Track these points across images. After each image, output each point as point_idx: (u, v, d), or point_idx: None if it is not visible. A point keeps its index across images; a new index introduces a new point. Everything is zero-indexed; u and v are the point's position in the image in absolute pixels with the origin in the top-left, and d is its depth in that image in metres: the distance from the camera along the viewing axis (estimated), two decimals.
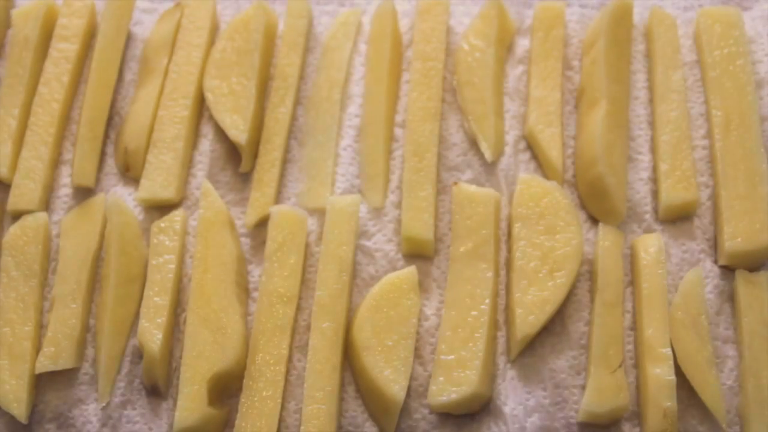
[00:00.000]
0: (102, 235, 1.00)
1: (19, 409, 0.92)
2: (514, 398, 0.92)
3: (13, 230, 1.00)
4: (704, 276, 0.96)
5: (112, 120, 1.07)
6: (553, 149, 1.01)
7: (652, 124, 1.04)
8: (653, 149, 1.02)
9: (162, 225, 0.99)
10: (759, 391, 0.90)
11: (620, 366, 0.90)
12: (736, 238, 0.94)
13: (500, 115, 1.04)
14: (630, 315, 0.95)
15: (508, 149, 1.03)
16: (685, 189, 0.98)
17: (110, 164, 1.06)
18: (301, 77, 1.09)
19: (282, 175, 1.04)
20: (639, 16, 1.09)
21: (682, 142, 1.00)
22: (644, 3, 1.10)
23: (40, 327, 0.97)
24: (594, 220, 0.99)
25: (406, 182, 0.99)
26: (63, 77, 1.06)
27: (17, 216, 1.01)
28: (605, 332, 0.91)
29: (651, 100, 1.05)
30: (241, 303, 0.96)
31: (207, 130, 1.06)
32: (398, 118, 1.05)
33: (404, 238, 0.97)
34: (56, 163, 1.05)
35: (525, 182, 0.98)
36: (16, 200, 1.01)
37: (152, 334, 0.93)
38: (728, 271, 0.97)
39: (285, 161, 1.04)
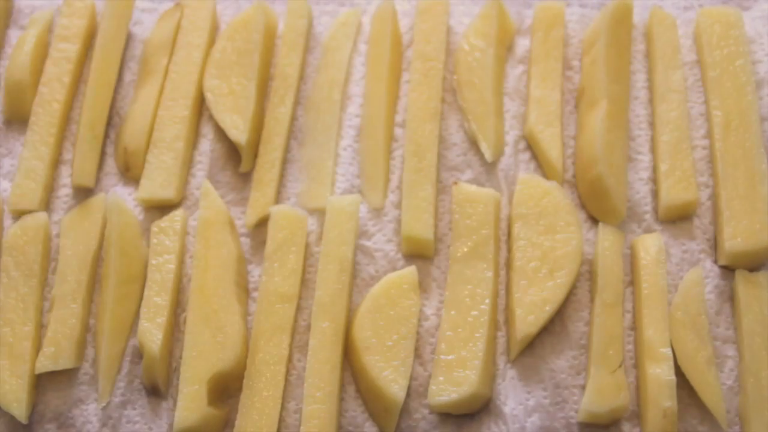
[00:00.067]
0: (102, 235, 1.00)
1: (19, 409, 0.92)
2: (514, 398, 0.92)
3: (13, 230, 1.00)
4: (704, 276, 0.96)
5: (112, 120, 1.07)
6: (553, 149, 1.01)
7: (652, 124, 1.04)
8: (653, 149, 1.02)
9: (162, 225, 0.99)
10: (759, 391, 0.90)
11: (620, 366, 0.90)
12: (736, 238, 0.94)
13: (500, 115, 1.04)
14: (630, 315, 0.95)
15: (508, 149, 1.03)
16: (685, 189, 0.98)
17: (110, 164, 1.06)
18: (301, 77, 1.09)
19: (282, 175, 1.04)
20: (639, 16, 1.09)
21: (682, 142, 1.00)
22: (644, 3, 1.10)
23: (40, 327, 0.97)
24: (594, 220, 0.99)
25: (406, 182, 0.99)
26: (64, 77, 1.06)
27: (18, 216, 1.01)
28: (605, 332, 0.91)
29: (651, 100, 1.05)
30: (241, 303, 0.96)
31: (207, 130, 1.06)
32: (398, 118, 1.05)
33: (404, 238, 0.97)
34: (56, 163, 1.05)
35: (525, 182, 0.98)
36: (16, 200, 1.01)
37: (152, 334, 0.93)
38: (728, 271, 0.97)
39: (285, 161, 1.04)
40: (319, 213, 1.00)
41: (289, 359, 0.94)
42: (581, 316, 0.95)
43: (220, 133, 1.05)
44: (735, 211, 0.96)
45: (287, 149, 1.05)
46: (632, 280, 0.96)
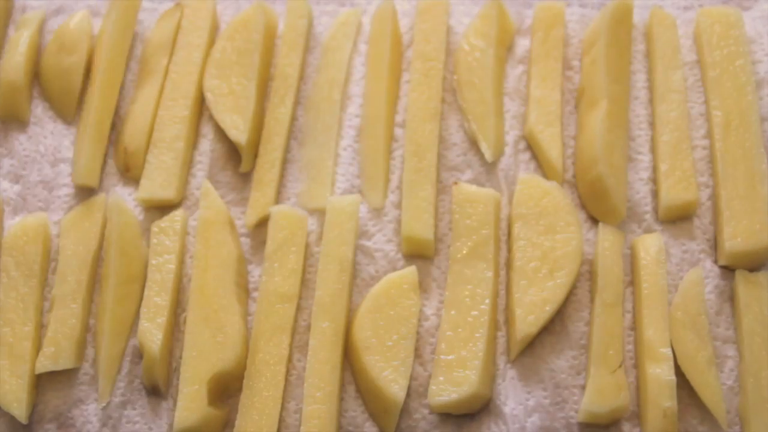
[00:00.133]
0: (102, 235, 1.00)
1: (19, 409, 0.92)
2: (514, 398, 0.92)
3: (13, 230, 1.00)
4: (704, 276, 0.96)
5: (112, 120, 1.07)
6: (553, 149, 1.01)
7: (652, 124, 1.04)
8: (653, 149, 1.02)
9: (162, 225, 0.99)
10: (759, 391, 0.90)
11: (620, 366, 0.90)
12: (736, 238, 0.94)
13: (500, 115, 1.04)
14: (630, 315, 0.95)
15: (508, 149, 1.03)
16: (685, 189, 0.98)
17: (110, 164, 1.06)
18: (301, 77, 1.09)
19: (282, 175, 1.04)
20: (639, 16, 1.09)
21: (682, 142, 1.00)
22: (644, 3, 1.10)
23: (40, 327, 0.97)
24: (594, 220, 0.99)
25: (406, 182, 0.99)
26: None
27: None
28: (605, 332, 0.91)
29: (651, 100, 1.05)
30: (241, 303, 0.96)
31: (207, 130, 1.06)
32: (398, 118, 1.05)
33: (404, 238, 0.97)
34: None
35: (525, 182, 0.98)
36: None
37: (152, 334, 0.93)
38: (728, 271, 0.97)
39: (285, 161, 1.04)
40: (319, 213, 1.00)
41: (289, 359, 0.94)
42: (581, 316, 0.95)
43: (220, 133, 1.05)
44: (735, 211, 0.96)
45: (287, 149, 1.05)
46: (632, 280, 0.96)
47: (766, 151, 0.98)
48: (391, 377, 0.90)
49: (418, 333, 0.95)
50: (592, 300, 0.95)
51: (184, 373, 0.91)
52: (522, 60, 1.08)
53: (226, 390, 0.94)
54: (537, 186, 0.98)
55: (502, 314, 0.96)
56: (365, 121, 1.04)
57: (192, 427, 0.89)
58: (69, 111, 1.07)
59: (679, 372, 0.89)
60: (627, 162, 1.01)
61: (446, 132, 1.04)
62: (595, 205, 0.99)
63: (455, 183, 0.99)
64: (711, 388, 0.90)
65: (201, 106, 1.07)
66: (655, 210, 1.00)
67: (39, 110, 1.09)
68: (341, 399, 0.93)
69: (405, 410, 0.93)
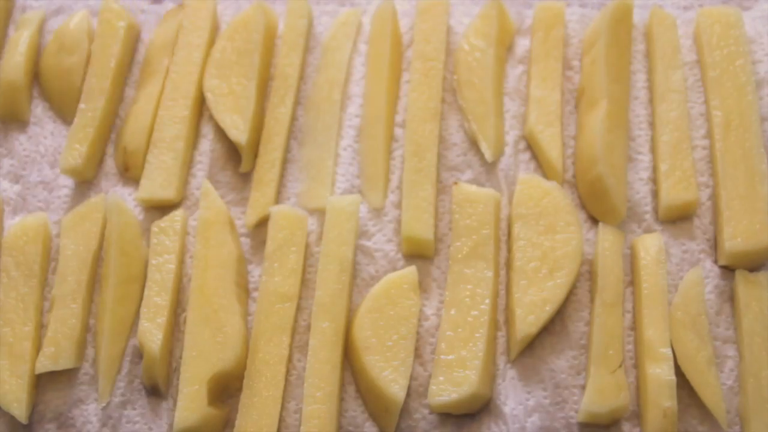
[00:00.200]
0: (102, 235, 1.00)
1: (19, 409, 0.92)
2: (514, 398, 0.92)
3: (13, 230, 1.00)
4: (704, 276, 0.96)
5: (113, 121, 1.07)
6: (553, 149, 1.01)
7: (652, 124, 1.04)
8: (653, 149, 1.02)
9: (162, 225, 0.99)
10: (759, 391, 0.90)
11: (620, 366, 0.90)
12: (736, 238, 0.94)
13: (500, 115, 1.04)
14: (630, 315, 0.95)
15: (508, 149, 1.03)
16: (685, 189, 0.98)
17: (110, 164, 1.06)
18: (301, 77, 1.09)
19: (282, 175, 1.04)
20: (639, 16, 1.09)
21: (682, 142, 1.00)
22: (644, 3, 1.10)
23: (40, 327, 0.97)
24: (594, 220, 0.99)
25: (406, 182, 0.99)
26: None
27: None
28: (605, 332, 0.91)
29: (651, 100, 1.05)
30: (241, 303, 0.96)
31: (207, 130, 1.06)
32: (398, 118, 1.05)
33: (404, 238, 0.97)
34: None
35: (525, 182, 0.98)
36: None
37: (152, 334, 0.93)
38: (728, 271, 0.97)
39: (285, 161, 1.04)
40: (319, 213, 1.00)
41: (289, 359, 0.94)
42: (581, 316, 0.95)
43: (220, 133, 1.05)
44: (735, 211, 0.96)
45: (287, 149, 1.05)
46: (632, 280, 0.96)
47: (766, 151, 0.98)
48: (391, 377, 0.90)
49: (418, 333, 0.95)
50: (592, 300, 0.95)
51: (184, 373, 0.91)
52: (522, 60, 1.08)
53: (226, 390, 0.94)
54: (537, 186, 0.98)
55: (502, 314, 0.96)
56: (365, 121, 1.04)
57: (192, 427, 0.89)
58: (69, 111, 1.07)
59: (679, 372, 0.89)
60: (627, 162, 1.01)
61: (446, 132, 1.04)
62: (595, 205, 0.99)
63: (455, 183, 0.99)
64: (711, 388, 0.90)
65: (201, 106, 1.07)
66: (655, 210, 1.00)
67: (39, 110, 1.09)
68: (341, 399, 0.93)
69: (405, 410, 0.93)
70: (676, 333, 0.91)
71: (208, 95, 1.05)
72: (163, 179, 1.01)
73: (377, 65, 1.06)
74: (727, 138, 0.99)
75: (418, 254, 0.99)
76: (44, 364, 0.93)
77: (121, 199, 1.00)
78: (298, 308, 0.96)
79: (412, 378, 0.93)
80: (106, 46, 1.07)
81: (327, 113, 1.05)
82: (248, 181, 1.03)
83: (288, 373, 0.94)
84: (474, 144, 1.03)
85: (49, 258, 1.01)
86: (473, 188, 0.99)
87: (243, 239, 1.01)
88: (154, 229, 0.99)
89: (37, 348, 0.95)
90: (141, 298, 0.96)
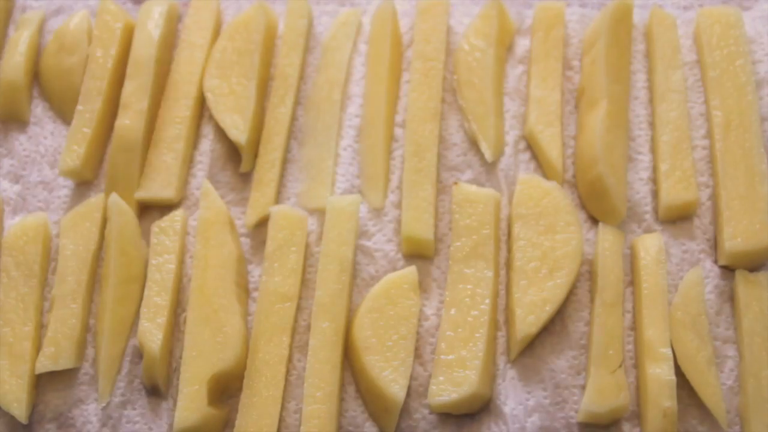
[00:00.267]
0: (102, 235, 1.00)
1: (19, 409, 0.92)
2: (514, 398, 0.92)
3: (13, 230, 1.00)
4: (704, 276, 0.96)
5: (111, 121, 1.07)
6: (553, 149, 1.01)
7: (652, 124, 1.04)
8: (653, 149, 1.02)
9: (162, 225, 0.99)
10: (759, 391, 0.90)
11: (620, 366, 0.90)
12: (736, 238, 0.94)
13: (500, 115, 1.04)
14: (630, 315, 0.95)
15: (508, 149, 1.03)
16: (685, 189, 0.98)
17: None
18: (301, 77, 1.09)
19: (282, 175, 1.04)
20: (639, 16, 1.09)
21: (682, 142, 1.00)
22: (644, 3, 1.10)
23: (40, 327, 0.97)
24: (594, 220, 0.99)
25: (406, 182, 0.99)
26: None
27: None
28: (605, 332, 0.91)
29: (651, 100, 1.05)
30: (241, 303, 0.96)
31: (207, 130, 1.06)
32: (398, 118, 1.05)
33: (404, 238, 0.97)
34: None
35: (525, 182, 0.98)
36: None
37: (152, 334, 0.93)
38: (728, 271, 0.97)
39: (285, 161, 1.04)
40: (319, 213, 1.00)
41: (289, 359, 0.94)
42: (581, 316, 0.95)
43: (221, 133, 1.05)
44: (735, 211, 0.96)
45: (287, 149, 1.05)
46: (632, 280, 0.96)
47: (766, 151, 0.98)
48: (391, 377, 0.90)
49: (418, 333, 0.95)
50: (592, 300, 0.95)
51: (184, 373, 0.91)
52: (522, 60, 1.08)
53: (226, 390, 0.94)
54: (537, 186, 0.98)
55: (502, 314, 0.96)
56: (365, 121, 1.04)
57: (192, 427, 0.89)
58: (69, 111, 1.07)
59: (679, 372, 0.89)
60: (627, 162, 1.01)
61: (446, 132, 1.04)
62: (595, 205, 0.99)
63: (455, 183, 0.99)
64: (711, 388, 0.90)
65: (201, 106, 1.07)
66: (655, 210, 1.00)
67: (39, 110, 1.09)
68: (341, 399, 0.93)
69: (405, 410, 0.93)
70: (676, 333, 0.91)
71: (208, 95, 1.05)
72: (163, 179, 1.01)
73: (377, 65, 1.06)
74: (727, 138, 0.99)
75: (418, 254, 0.99)
76: (44, 364, 0.93)
77: (121, 199, 1.00)
78: (298, 308, 0.96)
79: (412, 378, 0.93)
80: (103, 47, 1.07)
81: (327, 113, 1.05)
82: (248, 181, 1.03)
83: (288, 373, 0.94)
84: (474, 144, 1.03)
85: (49, 258, 1.01)
86: (473, 188, 0.99)
87: (243, 239, 1.01)
88: (154, 229, 0.99)
89: (37, 348, 0.95)
90: (141, 298, 0.96)
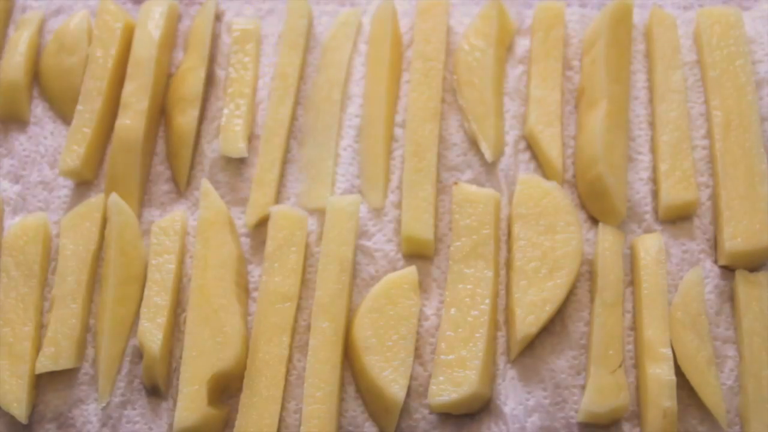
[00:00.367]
0: (102, 235, 1.00)
1: (19, 409, 0.92)
2: (514, 398, 0.92)
3: (13, 230, 1.00)
4: (704, 276, 0.96)
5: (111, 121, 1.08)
6: (553, 149, 1.01)
7: (652, 124, 1.04)
8: (653, 149, 1.02)
9: (162, 225, 0.99)
10: (759, 391, 0.90)
11: (620, 366, 0.90)
12: (736, 238, 0.94)
13: (500, 115, 1.04)
14: (630, 315, 0.95)
15: (508, 149, 1.03)
16: (685, 189, 0.98)
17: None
18: (301, 77, 1.09)
19: (282, 175, 1.04)
20: (639, 16, 1.09)
21: (682, 142, 1.00)
22: (644, 3, 1.10)
23: (40, 327, 0.97)
24: (594, 220, 0.99)
25: (406, 182, 0.99)
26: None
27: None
28: (605, 332, 0.91)
29: (651, 100, 1.05)
30: (241, 303, 0.96)
31: (207, 131, 1.06)
32: (398, 118, 1.05)
33: (404, 238, 0.97)
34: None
35: (525, 182, 0.98)
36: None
37: (152, 334, 0.93)
38: (728, 271, 0.97)
39: (285, 161, 1.04)
40: (319, 213, 1.00)
41: (289, 359, 0.94)
42: (581, 316, 0.95)
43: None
44: (735, 211, 0.96)
45: (287, 149, 1.05)
46: (632, 280, 0.96)
47: (766, 151, 0.98)
48: (391, 377, 0.90)
49: (418, 333, 0.95)
50: (592, 300, 0.95)
51: (184, 373, 0.91)
52: (522, 60, 1.08)
53: (226, 390, 0.94)
54: (537, 186, 0.98)
55: (502, 314, 0.96)
56: (365, 121, 1.04)
57: (192, 427, 0.89)
58: (69, 111, 1.07)
59: (679, 372, 0.89)
60: (627, 162, 1.01)
61: (446, 132, 1.04)
62: (595, 205, 0.99)
63: (455, 183, 0.99)
64: (711, 388, 0.90)
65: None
66: (655, 210, 1.00)
67: (39, 110, 1.09)
68: (341, 399, 0.93)
69: (405, 410, 0.93)
70: (676, 333, 0.91)
71: None
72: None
73: (377, 65, 1.06)
74: (727, 138, 0.99)
75: (418, 254, 0.99)
76: (44, 364, 0.93)
77: (121, 199, 1.00)
78: (298, 308, 0.96)
79: (412, 378, 0.93)
80: (103, 47, 1.07)
81: (327, 113, 1.05)
82: (248, 181, 1.03)
83: (288, 373, 0.94)
84: (474, 144, 1.03)
85: (49, 258, 1.01)
86: (473, 188, 0.99)
87: (243, 239, 1.01)
88: (154, 229, 0.99)
89: (37, 348, 0.95)
90: (141, 298, 0.96)
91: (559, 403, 0.92)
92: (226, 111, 1.04)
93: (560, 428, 0.91)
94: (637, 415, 0.92)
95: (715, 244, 0.98)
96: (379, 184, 1.01)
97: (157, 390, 0.94)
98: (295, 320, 0.95)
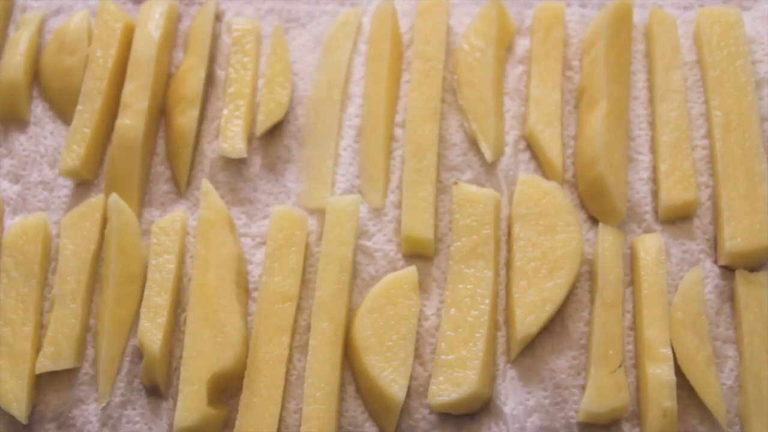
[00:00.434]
0: (102, 235, 1.00)
1: (19, 409, 0.92)
2: (514, 398, 0.92)
3: (13, 230, 1.00)
4: (704, 276, 0.96)
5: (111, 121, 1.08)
6: (553, 149, 1.01)
7: (652, 124, 1.04)
8: (653, 149, 1.02)
9: (162, 225, 0.99)
10: (759, 391, 0.90)
11: (620, 366, 0.90)
12: (736, 238, 0.94)
13: (500, 115, 1.04)
14: (630, 315, 0.95)
15: (508, 149, 1.03)
16: (685, 189, 0.98)
17: None
18: (302, 78, 1.09)
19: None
20: (639, 16, 1.09)
21: (682, 142, 1.00)
22: (644, 3, 1.10)
23: (40, 327, 0.97)
24: (594, 220, 0.99)
25: (406, 182, 0.99)
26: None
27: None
28: (605, 332, 0.91)
29: (651, 100, 1.05)
30: (241, 303, 0.96)
31: (207, 131, 1.06)
32: (398, 118, 1.05)
33: (404, 238, 0.97)
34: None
35: (525, 182, 0.98)
36: None
37: (152, 334, 0.93)
38: (728, 271, 0.97)
39: (286, 161, 1.04)
40: (319, 213, 1.00)
41: (289, 359, 0.94)
42: (581, 316, 0.95)
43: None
44: (735, 211, 0.96)
45: (287, 149, 1.05)
46: (632, 280, 0.96)
47: (766, 151, 0.98)
48: (391, 377, 0.90)
49: (418, 333, 0.95)
50: (592, 300, 0.95)
51: (184, 373, 0.91)
52: (522, 60, 1.08)
53: (226, 390, 0.94)
54: (537, 186, 0.98)
55: (502, 314, 0.96)
56: (365, 121, 1.04)
57: (192, 427, 0.89)
58: (69, 111, 1.07)
59: (679, 372, 0.89)
60: (627, 162, 1.01)
61: (446, 132, 1.04)
62: (595, 205, 0.99)
63: (455, 183, 0.99)
64: (711, 388, 0.90)
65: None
66: (655, 210, 1.00)
67: (39, 110, 1.09)
68: (341, 399, 0.93)
69: (405, 410, 0.93)
70: (676, 333, 0.91)
71: None
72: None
73: (377, 65, 1.06)
74: (727, 138, 0.99)
75: (418, 254, 0.99)
76: (44, 364, 0.93)
77: (121, 200, 1.00)
78: (298, 308, 0.96)
79: (412, 378, 0.93)
80: (103, 47, 1.07)
81: (327, 113, 1.05)
82: (248, 181, 1.03)
83: (288, 373, 0.94)
84: (474, 144, 1.03)
85: (49, 258, 1.01)
86: (473, 188, 0.99)
87: (243, 239, 1.01)
88: (154, 229, 0.99)
89: (37, 348, 0.95)
90: (141, 298, 0.96)
91: (559, 403, 0.92)
92: (225, 111, 1.04)
93: (560, 428, 0.91)
94: (637, 415, 0.92)
95: (715, 244, 0.98)
96: (379, 184, 1.01)
97: (157, 390, 0.94)
98: (295, 320, 0.95)
